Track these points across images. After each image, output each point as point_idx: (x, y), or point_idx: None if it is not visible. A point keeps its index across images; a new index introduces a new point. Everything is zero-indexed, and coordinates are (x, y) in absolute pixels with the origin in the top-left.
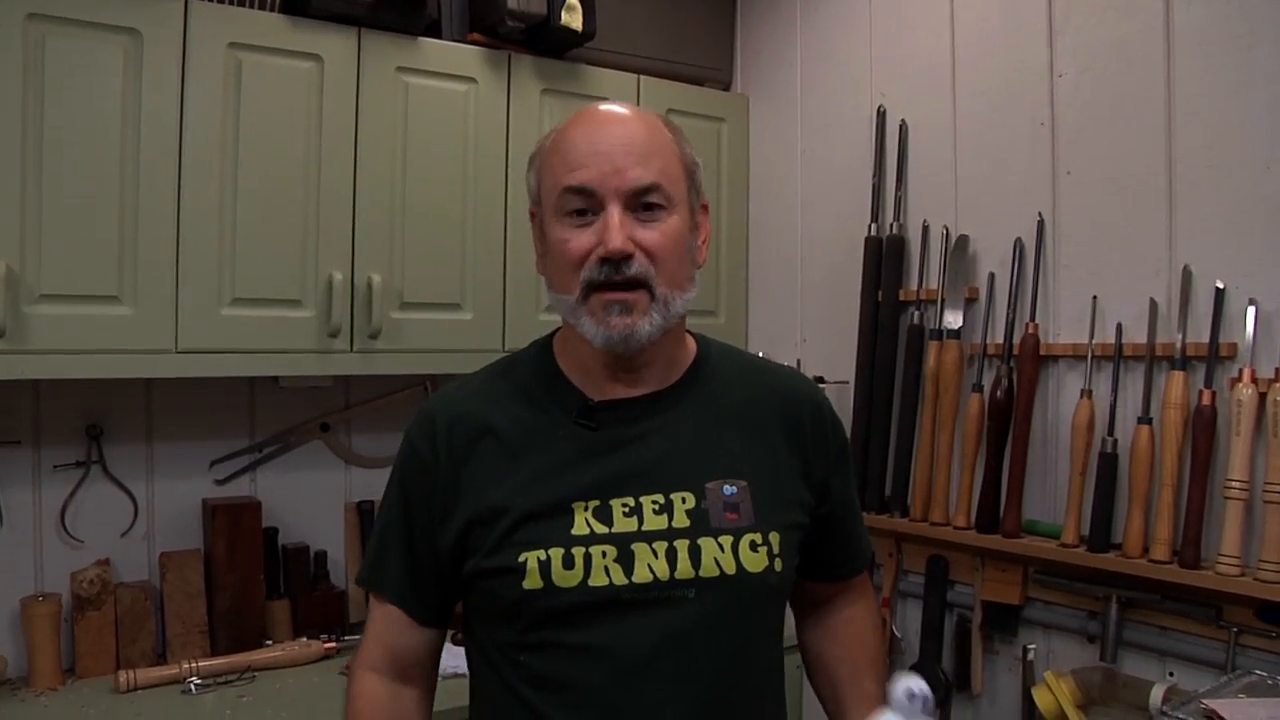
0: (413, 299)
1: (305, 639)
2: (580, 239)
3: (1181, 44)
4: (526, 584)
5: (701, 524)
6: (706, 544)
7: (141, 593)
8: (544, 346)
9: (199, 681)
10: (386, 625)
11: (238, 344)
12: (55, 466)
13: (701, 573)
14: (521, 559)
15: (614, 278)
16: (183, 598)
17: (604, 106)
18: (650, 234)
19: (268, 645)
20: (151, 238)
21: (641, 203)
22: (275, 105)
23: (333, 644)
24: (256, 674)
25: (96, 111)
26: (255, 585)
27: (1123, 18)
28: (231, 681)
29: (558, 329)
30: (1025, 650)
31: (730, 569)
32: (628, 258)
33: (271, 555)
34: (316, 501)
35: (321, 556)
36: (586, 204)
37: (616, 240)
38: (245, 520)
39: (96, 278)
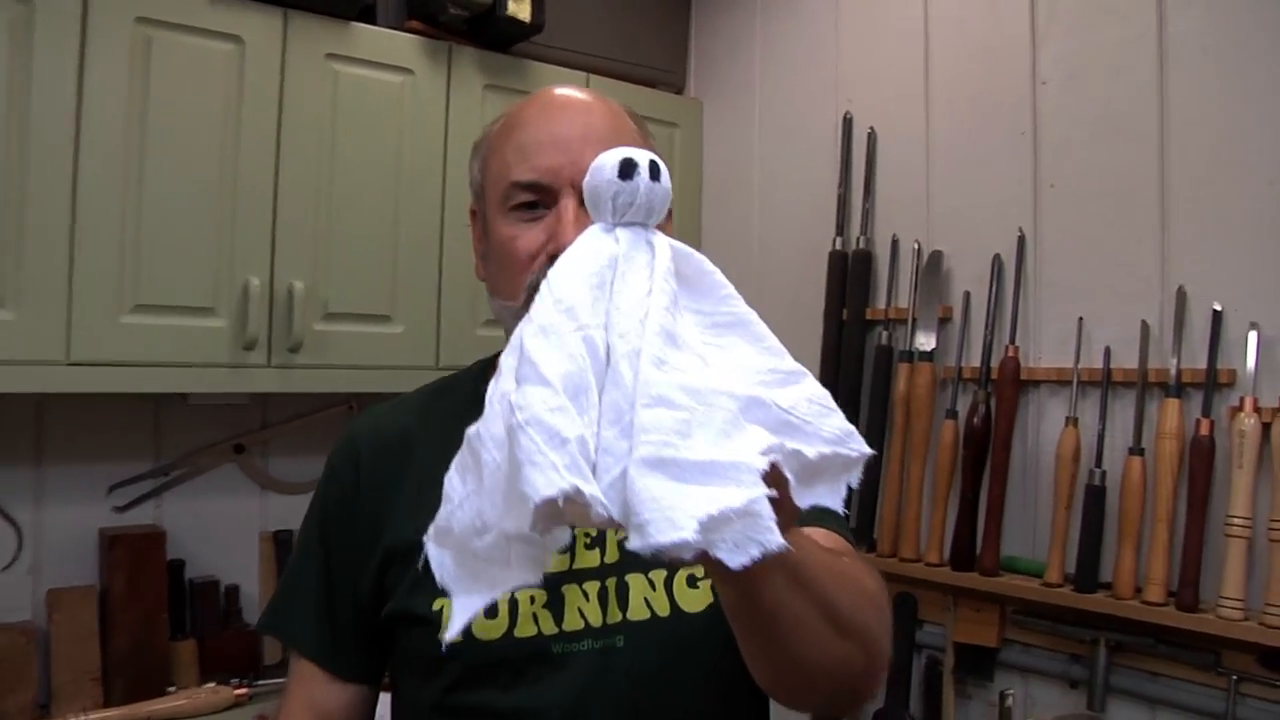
0: (338, 309)
1: (214, 684)
2: (528, 235)
3: (1176, 52)
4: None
5: (632, 557)
6: (635, 581)
7: (23, 636)
8: (487, 365)
9: None
10: (304, 682)
11: (140, 356)
12: None
13: (629, 615)
14: (436, 607)
15: None
16: (73, 640)
17: (560, 90)
18: None
19: (171, 693)
20: (42, 234)
21: None
22: (189, 90)
23: (244, 690)
24: None
25: None
26: (158, 625)
27: (1112, 22)
28: None
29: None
30: (1003, 696)
31: (663, 610)
32: None
33: (177, 591)
34: (229, 531)
35: (233, 592)
36: (537, 197)
37: (570, 236)
38: (147, 552)
39: None
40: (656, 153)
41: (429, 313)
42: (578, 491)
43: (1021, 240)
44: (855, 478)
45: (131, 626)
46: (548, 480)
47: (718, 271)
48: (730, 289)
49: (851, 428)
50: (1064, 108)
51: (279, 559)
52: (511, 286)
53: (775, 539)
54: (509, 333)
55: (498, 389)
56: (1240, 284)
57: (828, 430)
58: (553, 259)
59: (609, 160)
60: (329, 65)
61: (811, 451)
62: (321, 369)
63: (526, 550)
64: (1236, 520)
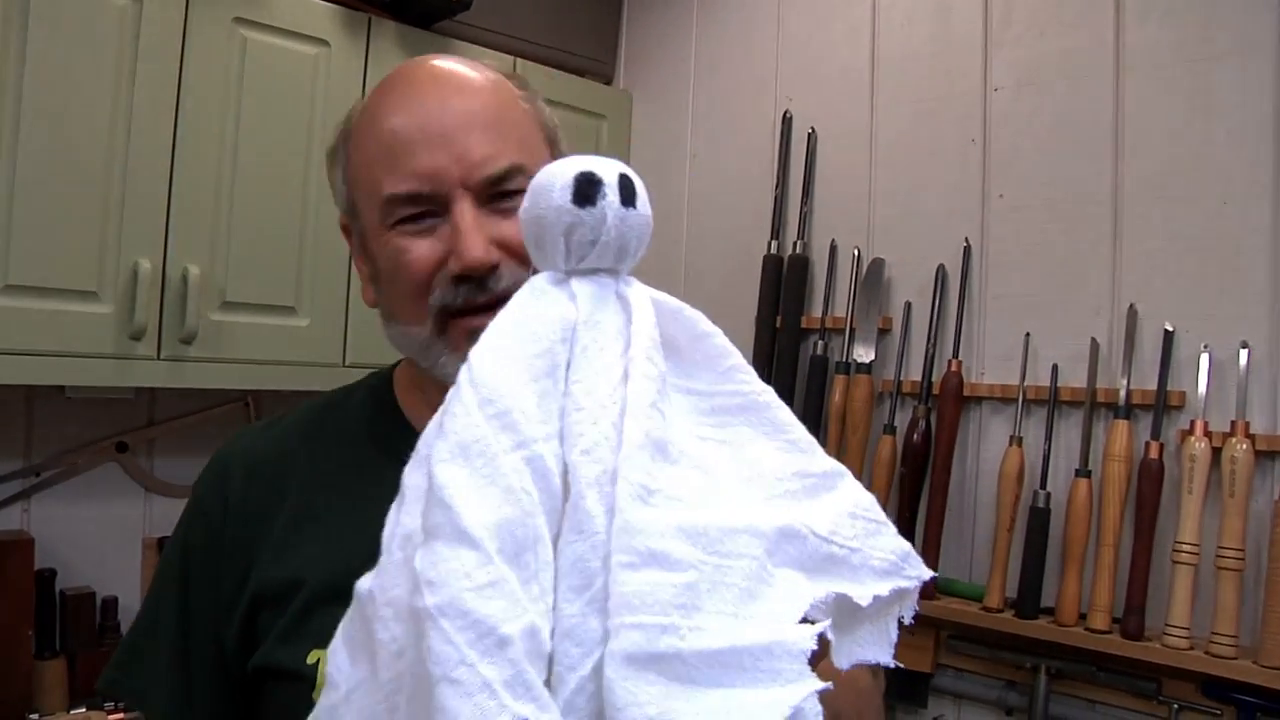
0: (237, 298)
1: (85, 709)
2: (422, 248)
3: (1133, 62)
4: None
5: None
6: None
7: None
8: (382, 379)
9: None
10: None
11: (11, 343)
12: None
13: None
14: (312, 660)
15: (477, 299)
16: None
17: (425, 62)
18: (516, 228)
19: (33, 719)
20: None
21: (499, 190)
22: (77, 48)
23: (119, 715)
24: None
25: None
26: (21, 642)
27: (1068, 31)
28: None
29: (402, 359)
30: None
31: None
32: (492, 269)
33: (46, 603)
34: (108, 537)
35: (111, 604)
36: (422, 208)
37: (476, 249)
38: (13, 560)
39: None
40: (555, 138)
41: (337, 305)
42: None
43: (967, 251)
44: (910, 611)
45: None
46: (476, 711)
47: (719, 334)
48: (737, 357)
49: (907, 546)
50: (1016, 116)
51: None
52: (414, 308)
53: None
54: (416, 362)
55: (398, 524)
56: (1193, 304)
57: (879, 557)
58: (459, 280)
59: (557, 177)
60: (236, 30)
61: (863, 595)
62: (217, 363)
63: None
64: (1185, 546)
